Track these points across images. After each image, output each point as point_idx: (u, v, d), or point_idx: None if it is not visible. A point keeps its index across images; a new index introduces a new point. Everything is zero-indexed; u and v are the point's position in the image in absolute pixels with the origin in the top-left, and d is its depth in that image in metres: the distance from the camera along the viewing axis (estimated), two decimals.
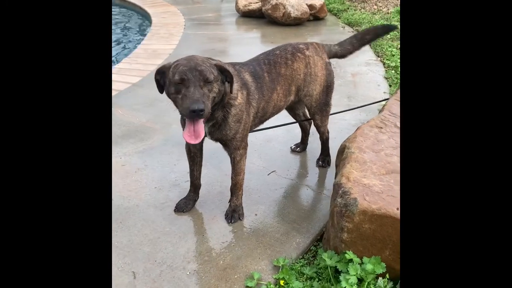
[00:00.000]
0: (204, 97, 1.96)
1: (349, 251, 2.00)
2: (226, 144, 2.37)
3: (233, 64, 2.36)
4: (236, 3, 7.59)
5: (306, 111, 2.93)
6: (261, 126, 2.83)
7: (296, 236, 2.38)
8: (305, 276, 2.11)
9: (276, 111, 2.60)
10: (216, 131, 2.30)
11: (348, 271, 1.96)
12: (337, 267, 2.02)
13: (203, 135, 2.06)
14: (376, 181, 2.07)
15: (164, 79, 2.11)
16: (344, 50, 2.92)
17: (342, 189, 2.04)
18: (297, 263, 2.20)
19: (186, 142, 2.17)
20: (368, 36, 2.97)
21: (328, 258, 2.06)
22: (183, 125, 2.26)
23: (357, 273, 1.93)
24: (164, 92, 2.16)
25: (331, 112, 3.49)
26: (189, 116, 1.96)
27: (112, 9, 8.87)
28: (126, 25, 8.08)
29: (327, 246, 2.18)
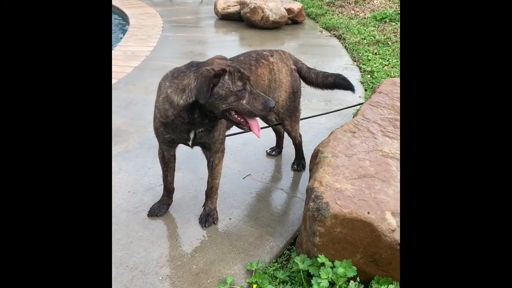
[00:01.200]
0: None
1: (321, 254, 2.02)
2: (209, 147, 2.36)
3: None
4: (215, 6, 7.58)
5: None
6: (238, 130, 2.84)
7: (269, 240, 2.39)
8: (278, 280, 2.12)
9: None
10: (205, 136, 2.29)
11: (320, 274, 1.97)
12: (310, 271, 2.04)
13: None
14: (348, 185, 2.10)
15: (213, 89, 2.02)
16: (307, 74, 2.92)
17: (315, 193, 2.06)
18: (270, 267, 2.21)
19: (256, 135, 2.18)
20: (330, 79, 2.99)
21: (300, 262, 2.07)
22: (164, 130, 2.26)
23: (328, 277, 1.95)
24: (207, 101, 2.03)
25: (307, 116, 3.53)
26: (265, 112, 2.13)
27: None
28: None
29: (300, 250, 2.20)
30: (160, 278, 2.13)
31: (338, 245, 2.00)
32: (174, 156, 2.51)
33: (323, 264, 2.00)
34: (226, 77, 2.03)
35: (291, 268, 2.15)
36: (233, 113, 2.10)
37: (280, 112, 2.77)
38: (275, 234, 2.44)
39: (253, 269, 2.16)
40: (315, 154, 2.44)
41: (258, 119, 2.86)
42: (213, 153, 2.37)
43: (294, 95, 2.79)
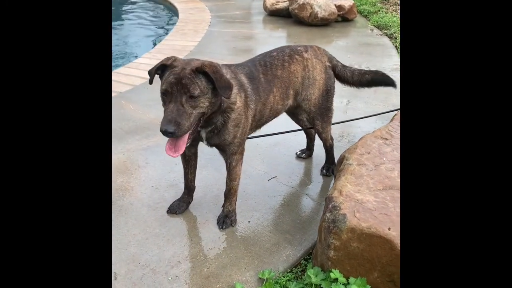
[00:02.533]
0: (182, 116, 1.89)
1: (335, 269, 1.88)
2: (223, 149, 2.29)
3: (229, 66, 2.28)
4: (264, 1, 7.50)
5: None
6: (267, 130, 2.74)
7: (287, 248, 2.27)
8: None
9: (273, 115, 2.50)
10: (215, 137, 2.22)
11: None
12: (322, 286, 1.90)
13: (183, 149, 2.01)
14: (371, 196, 1.95)
15: (162, 77, 2.03)
16: (342, 71, 2.76)
17: (332, 203, 1.92)
18: (284, 276, 2.10)
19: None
20: (368, 76, 2.80)
21: (313, 275, 1.95)
22: None
23: None
24: None
25: (344, 120, 3.37)
26: (163, 135, 1.90)
27: (142, 3, 8.96)
28: (153, 19, 8.15)
29: (315, 261, 2.07)
30: (170, 278, 2.09)
31: (354, 261, 1.85)
32: (195, 154, 2.46)
33: (336, 280, 1.86)
34: (166, 74, 1.97)
35: (305, 281, 2.03)
36: None
37: (311, 111, 2.63)
38: (294, 242, 2.32)
39: (265, 277, 2.06)
40: (340, 160, 2.30)
41: (283, 118, 2.77)
42: (229, 155, 2.29)
43: (327, 94, 2.64)
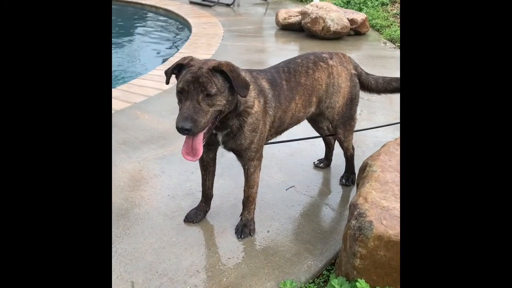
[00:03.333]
0: (199, 114, 1.86)
1: (361, 279, 1.81)
2: (240, 155, 2.25)
3: (250, 71, 2.25)
4: (276, 16, 7.53)
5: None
6: (285, 138, 2.70)
7: (308, 258, 2.20)
8: None
9: (295, 122, 2.46)
10: (230, 141, 2.18)
11: None
12: None
13: (201, 152, 1.97)
14: (397, 203, 1.88)
15: (178, 76, 2.02)
16: (366, 79, 2.71)
17: (358, 210, 1.86)
18: (306, 287, 2.03)
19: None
20: (394, 84, 2.73)
21: (338, 285, 1.87)
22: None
23: None
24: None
25: (361, 128, 3.32)
26: (178, 132, 1.87)
27: (156, 18, 9.06)
28: (166, 34, 8.23)
29: (339, 271, 2.00)
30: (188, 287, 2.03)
31: (380, 270, 1.78)
32: (213, 160, 2.42)
33: None
34: (183, 73, 1.94)
35: None
36: None
37: (334, 119, 2.59)
38: (315, 252, 2.25)
39: None
40: (363, 168, 2.24)
41: (300, 128, 2.72)
42: (247, 161, 2.24)
43: (352, 102, 2.60)
